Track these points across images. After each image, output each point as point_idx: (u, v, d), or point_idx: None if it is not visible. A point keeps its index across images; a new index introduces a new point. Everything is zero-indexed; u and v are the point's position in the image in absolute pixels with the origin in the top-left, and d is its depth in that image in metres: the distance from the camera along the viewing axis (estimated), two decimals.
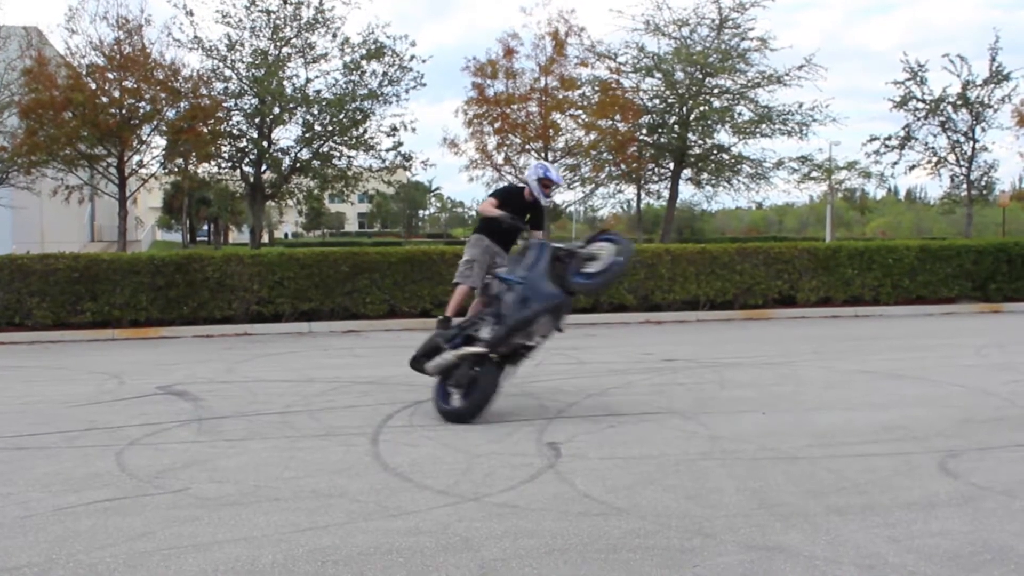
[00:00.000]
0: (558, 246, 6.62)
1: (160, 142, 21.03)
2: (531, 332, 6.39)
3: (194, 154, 20.88)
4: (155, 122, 19.87)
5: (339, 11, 26.52)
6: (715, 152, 25.47)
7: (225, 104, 21.18)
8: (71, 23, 19.45)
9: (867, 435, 5.83)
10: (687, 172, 25.77)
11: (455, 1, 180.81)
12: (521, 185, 7.41)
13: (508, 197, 7.22)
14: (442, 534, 3.94)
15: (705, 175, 26.00)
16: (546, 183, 7.20)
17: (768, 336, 12.01)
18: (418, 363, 6.85)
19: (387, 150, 23.10)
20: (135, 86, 19.08)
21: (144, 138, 20.31)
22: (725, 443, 5.61)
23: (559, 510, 4.28)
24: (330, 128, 22.20)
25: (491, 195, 7.31)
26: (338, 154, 23.05)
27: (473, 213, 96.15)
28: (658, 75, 24.06)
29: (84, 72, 19.36)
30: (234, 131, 21.93)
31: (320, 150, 22.71)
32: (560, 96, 23.72)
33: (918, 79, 23.69)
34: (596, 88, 23.93)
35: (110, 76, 19.14)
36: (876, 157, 25.11)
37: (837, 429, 6.01)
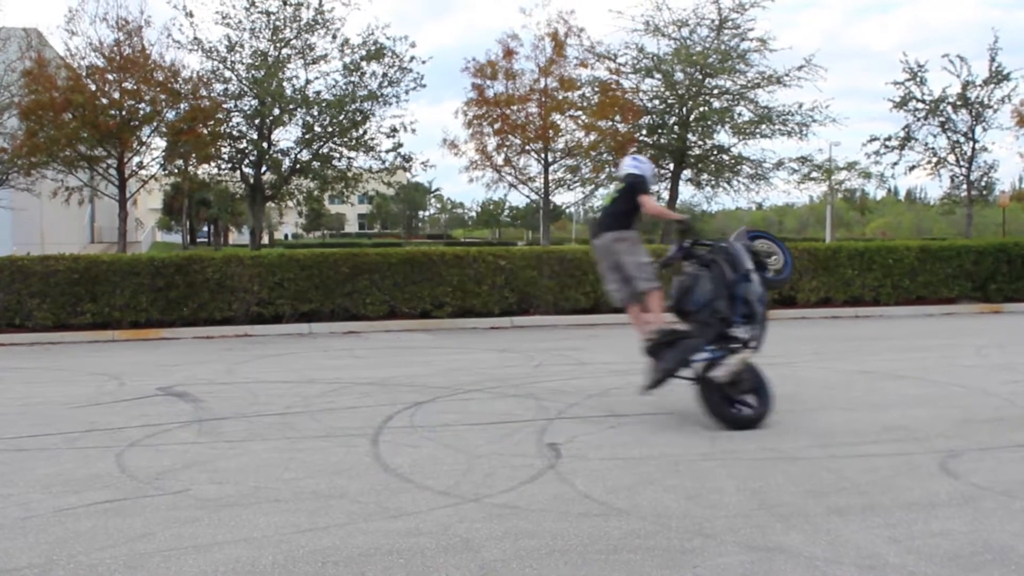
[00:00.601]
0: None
1: (160, 143, 21.07)
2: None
3: (194, 155, 20.92)
4: (155, 123, 19.88)
5: (339, 12, 26.69)
6: (715, 153, 25.49)
7: (225, 105, 21.20)
8: (71, 24, 19.49)
9: (867, 435, 5.83)
10: (687, 173, 25.79)
11: (454, 2, 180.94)
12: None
13: None
14: (442, 535, 3.94)
15: (705, 176, 26.03)
16: (653, 177, 7.00)
17: (768, 336, 11.98)
18: (666, 380, 6.28)
19: (387, 151, 23.13)
20: (135, 87, 19.09)
21: (144, 139, 20.32)
22: (725, 443, 5.61)
23: (559, 511, 4.28)
24: (330, 129, 22.22)
25: (645, 191, 6.62)
26: (338, 155, 23.08)
27: (473, 214, 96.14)
28: (658, 76, 24.08)
29: (84, 73, 19.37)
30: (234, 132, 21.95)
31: (320, 151, 22.73)
32: (560, 97, 23.74)
33: (918, 79, 23.70)
34: (596, 89, 23.95)
35: (110, 77, 19.16)
36: (876, 157, 25.14)
37: (837, 429, 6.00)
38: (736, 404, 6.09)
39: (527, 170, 25.52)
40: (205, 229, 65.22)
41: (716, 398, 6.06)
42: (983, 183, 25.24)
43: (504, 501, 4.44)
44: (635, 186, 6.62)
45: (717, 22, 23.96)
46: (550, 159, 24.64)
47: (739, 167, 25.74)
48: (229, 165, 23.00)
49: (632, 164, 6.89)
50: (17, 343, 12.06)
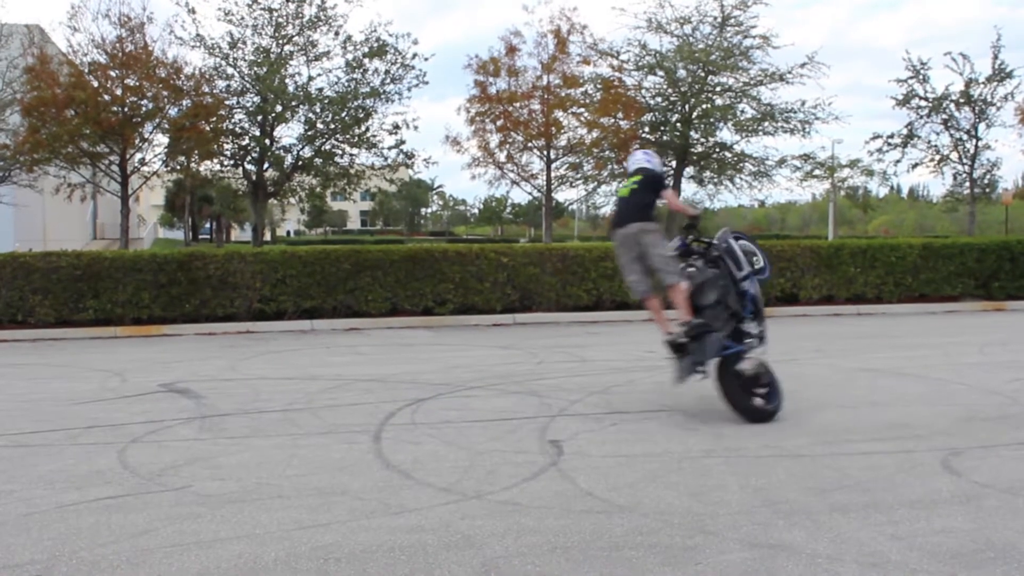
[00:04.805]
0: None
1: (162, 140, 21.08)
2: None
3: (196, 152, 20.91)
4: (157, 120, 19.89)
5: (341, 9, 26.52)
6: (717, 150, 25.45)
7: (227, 102, 21.19)
8: (73, 21, 19.49)
9: (870, 433, 5.82)
10: (690, 170, 25.76)
11: None
12: None
13: None
14: (444, 532, 3.94)
15: (708, 173, 26.00)
16: None
17: (770, 334, 11.93)
18: (695, 369, 6.23)
19: (389, 148, 23.11)
20: (137, 84, 19.09)
21: (146, 136, 20.33)
22: (728, 441, 5.61)
23: (562, 508, 4.28)
24: (332, 126, 22.21)
25: (667, 185, 6.74)
26: (340, 152, 23.08)
27: (475, 211, 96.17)
28: (660, 73, 24.05)
29: (86, 70, 19.39)
30: (236, 129, 21.94)
31: (322, 148, 22.72)
32: (562, 94, 23.73)
33: (920, 77, 23.66)
34: (598, 86, 23.93)
35: (112, 74, 19.16)
36: (879, 155, 25.10)
37: (840, 427, 6.00)
38: (755, 397, 6.23)
39: (529, 167, 25.51)
40: (207, 226, 65.26)
41: (739, 390, 6.17)
42: (986, 181, 25.19)
43: (506, 498, 4.44)
44: (659, 180, 6.74)
45: (720, 19, 23.91)
46: (552, 156, 24.63)
47: (742, 164, 25.71)
48: (231, 162, 23.00)
49: (645, 158, 6.93)
50: (19, 339, 12.08)
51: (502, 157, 24.81)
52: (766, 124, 24.42)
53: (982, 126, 23.88)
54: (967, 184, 24.61)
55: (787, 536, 3.86)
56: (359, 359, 9.99)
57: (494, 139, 24.55)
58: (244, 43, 21.35)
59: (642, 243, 6.56)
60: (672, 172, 25.56)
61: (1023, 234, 27.72)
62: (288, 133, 29.85)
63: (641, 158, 6.96)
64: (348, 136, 22.48)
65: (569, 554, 3.66)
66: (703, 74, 23.75)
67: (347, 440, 5.72)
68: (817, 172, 26.09)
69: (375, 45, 21.81)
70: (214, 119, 20.36)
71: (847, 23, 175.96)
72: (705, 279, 6.36)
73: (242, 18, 21.24)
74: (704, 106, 24.25)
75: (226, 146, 22.04)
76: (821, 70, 24.41)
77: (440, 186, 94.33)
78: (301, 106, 21.76)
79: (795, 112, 24.37)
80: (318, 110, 21.92)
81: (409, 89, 22.43)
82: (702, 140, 25.12)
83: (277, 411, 6.76)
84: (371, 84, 22.02)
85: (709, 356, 6.23)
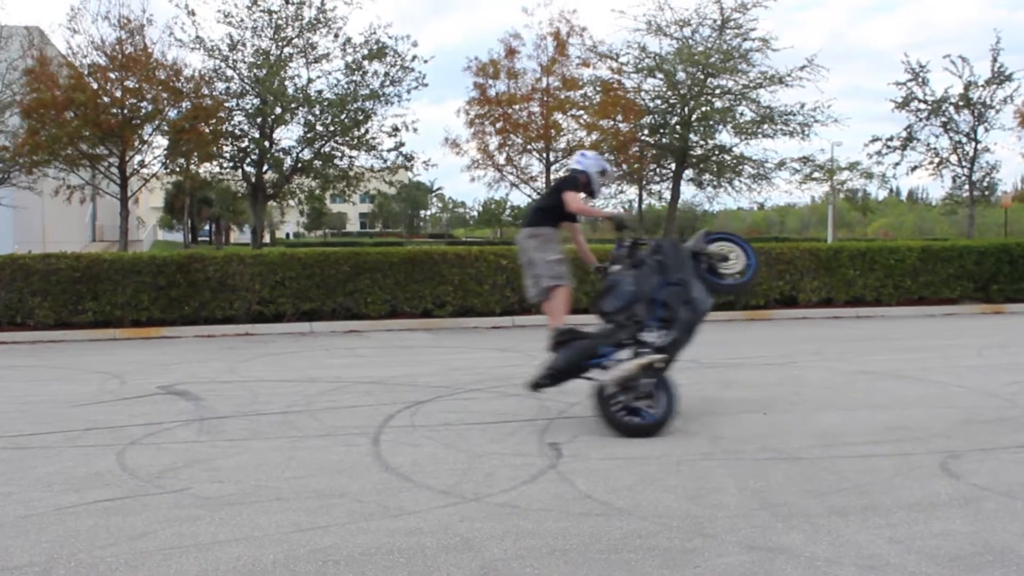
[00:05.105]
0: (689, 246, 6.26)
1: (162, 142, 21.15)
2: (695, 335, 6.04)
3: (196, 154, 20.95)
4: (157, 122, 19.94)
5: (341, 11, 26.64)
6: (717, 152, 25.50)
7: (227, 104, 21.23)
8: (73, 23, 19.56)
9: (868, 436, 5.82)
10: (689, 172, 25.81)
11: (457, 0, 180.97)
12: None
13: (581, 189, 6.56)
14: (443, 534, 3.94)
15: (707, 176, 26.05)
16: (603, 175, 6.77)
17: (770, 337, 12.00)
18: (554, 380, 6.14)
19: (389, 150, 23.17)
20: (137, 86, 19.13)
21: (146, 138, 20.38)
22: (726, 443, 5.60)
23: (560, 510, 4.27)
24: (332, 128, 22.24)
25: (572, 188, 6.36)
26: (340, 154, 23.12)
27: (475, 214, 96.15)
28: (660, 75, 24.10)
29: (86, 72, 19.43)
30: (236, 131, 21.98)
31: (322, 150, 22.75)
32: (562, 96, 23.78)
33: (919, 80, 23.72)
34: (598, 88, 23.98)
35: (112, 76, 19.21)
36: (878, 158, 25.19)
37: (838, 429, 6.00)
38: (635, 411, 5.83)
39: (529, 169, 25.56)
40: (207, 228, 65.25)
41: (603, 403, 5.85)
42: (985, 184, 25.26)
43: (505, 500, 4.44)
44: (561, 181, 6.51)
45: (719, 22, 23.97)
46: (552, 158, 24.67)
47: (741, 167, 25.76)
48: (231, 164, 23.04)
49: (577, 160, 6.77)
50: (18, 341, 12.07)
51: (501, 159, 24.88)
52: (765, 127, 24.48)
53: (981, 129, 23.96)
54: (966, 187, 24.66)
55: (785, 539, 3.86)
56: (358, 361, 9.98)
57: (493, 141, 24.63)
58: (244, 45, 21.40)
59: (526, 247, 6.50)
60: (671, 175, 25.62)
61: (1022, 237, 27.73)
62: (287, 135, 29.95)
63: (575, 160, 6.80)
64: (347, 138, 22.53)
65: (568, 556, 3.66)
66: (702, 76, 23.80)
67: (346, 442, 5.72)
68: (816, 175, 26.16)
69: (374, 47, 21.86)
70: (213, 121, 20.41)
71: (846, 26, 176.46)
72: (611, 284, 6.12)
73: (242, 20, 21.29)
74: (703, 108, 24.30)
75: (225, 148, 22.08)
76: (820, 73, 24.54)
77: (439, 188, 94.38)
78: (300, 108, 21.80)
79: (794, 115, 24.43)
80: (317, 112, 21.97)
81: (408, 91, 22.53)
82: (701, 143, 25.17)
83: (276, 413, 6.76)
84: (370, 86, 22.08)
85: (557, 364, 6.03)
